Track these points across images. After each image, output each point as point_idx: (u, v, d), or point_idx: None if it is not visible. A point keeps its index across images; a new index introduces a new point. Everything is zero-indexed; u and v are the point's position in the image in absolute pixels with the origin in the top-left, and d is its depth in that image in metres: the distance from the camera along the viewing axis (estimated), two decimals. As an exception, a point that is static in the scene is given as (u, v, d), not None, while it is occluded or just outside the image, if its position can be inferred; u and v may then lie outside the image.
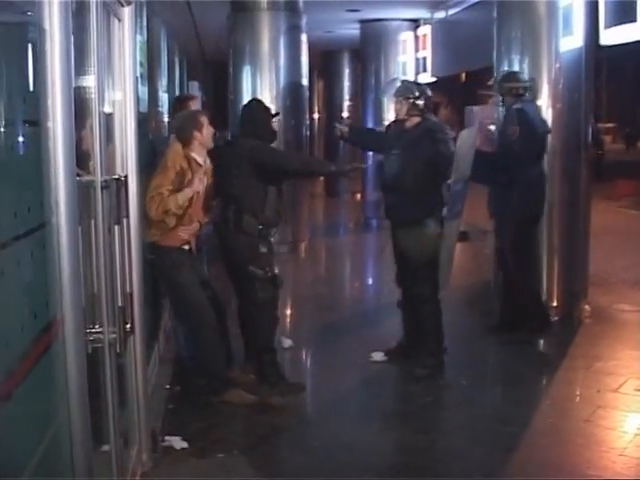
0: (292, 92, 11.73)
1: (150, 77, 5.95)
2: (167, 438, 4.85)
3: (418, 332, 6.23)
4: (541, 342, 7.30)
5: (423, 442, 5.06)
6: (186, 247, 5.51)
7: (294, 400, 5.65)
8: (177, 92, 9.40)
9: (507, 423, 5.32)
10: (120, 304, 3.41)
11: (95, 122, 3.26)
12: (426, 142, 5.95)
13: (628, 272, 10.24)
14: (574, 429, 5.17)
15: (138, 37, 5.10)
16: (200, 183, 5.29)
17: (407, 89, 6.16)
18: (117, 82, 4.09)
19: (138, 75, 4.97)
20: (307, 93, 12.45)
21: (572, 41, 7.23)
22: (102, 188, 3.27)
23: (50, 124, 2.46)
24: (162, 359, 6.23)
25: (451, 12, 12.76)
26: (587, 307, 7.95)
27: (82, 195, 3.15)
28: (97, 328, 3.35)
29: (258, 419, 5.34)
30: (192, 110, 5.95)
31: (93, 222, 3.31)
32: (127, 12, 4.15)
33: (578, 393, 5.83)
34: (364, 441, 5.05)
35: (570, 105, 7.37)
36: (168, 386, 5.75)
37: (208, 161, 5.51)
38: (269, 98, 11.50)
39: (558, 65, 7.34)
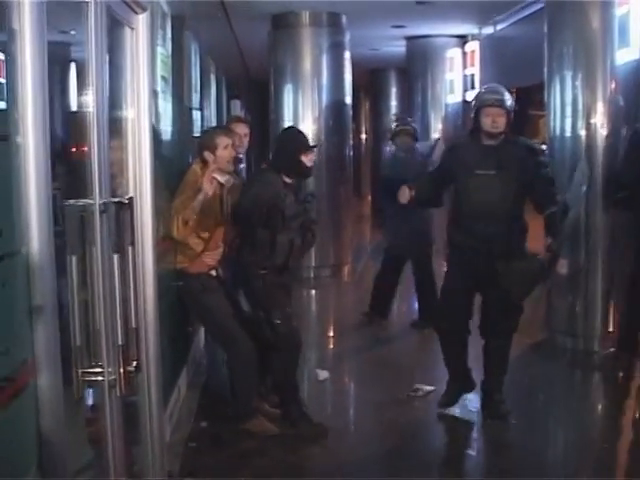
0: (335, 111, 11.40)
1: (177, 94, 5.63)
2: (187, 480, 4.50)
3: (496, 366, 5.59)
4: (597, 375, 6.82)
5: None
6: (213, 273, 5.27)
7: (323, 439, 5.25)
8: (213, 110, 9.12)
9: (558, 472, 4.87)
10: (121, 342, 3.04)
11: (93, 139, 2.92)
12: (528, 162, 5.27)
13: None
14: None
15: (160, 49, 4.79)
16: (210, 187, 4.94)
17: (509, 98, 5.30)
18: (130, 97, 3.77)
19: (158, 89, 4.66)
20: (351, 112, 12.12)
21: (629, 53, 6.77)
22: (101, 212, 2.92)
23: (20, 139, 2.11)
24: (190, 385, 5.90)
25: (499, 27, 12.33)
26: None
27: (76, 220, 2.83)
28: (98, 368, 3.01)
29: (284, 459, 4.96)
30: (213, 129, 5.64)
31: (94, 250, 2.98)
32: (141, 20, 3.82)
33: (635, 439, 5.32)
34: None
35: (627, 123, 6.89)
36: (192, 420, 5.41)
37: (232, 180, 5.24)
38: (311, 118, 11.22)
39: (614, 80, 6.87)
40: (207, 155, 5.10)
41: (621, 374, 6.49)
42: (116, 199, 3.04)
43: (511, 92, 5.44)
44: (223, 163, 5.14)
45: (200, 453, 4.96)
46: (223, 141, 5.15)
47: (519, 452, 5.19)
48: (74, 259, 2.81)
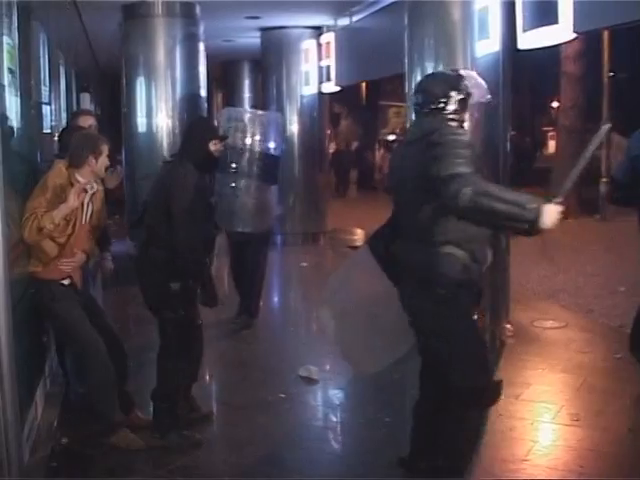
0: (190, 104, 11.02)
1: (25, 87, 5.24)
2: (48, 506, 4.18)
3: None
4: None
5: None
6: (66, 282, 4.94)
7: (195, 450, 5.02)
8: (63, 104, 8.67)
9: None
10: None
11: None
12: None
13: (543, 284, 9.99)
14: (512, 471, 4.65)
15: (6, 39, 4.43)
16: (76, 200, 4.69)
17: None
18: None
19: (4, 83, 4.30)
20: (205, 105, 11.81)
21: (489, 45, 6.80)
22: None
23: None
24: (48, 398, 5.53)
25: (355, 18, 12.31)
26: (509, 326, 7.53)
27: None
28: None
29: (153, 474, 4.69)
30: (93, 133, 5.38)
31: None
32: (-15, 7, 3.48)
33: (510, 427, 5.30)
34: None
35: (487, 113, 6.90)
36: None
37: (96, 186, 4.94)
38: (165, 110, 10.86)
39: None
40: (90, 160, 4.83)
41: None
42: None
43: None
44: (101, 170, 4.95)
45: (62, 474, 4.62)
46: (105, 149, 4.94)
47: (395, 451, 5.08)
48: None
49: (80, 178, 4.80)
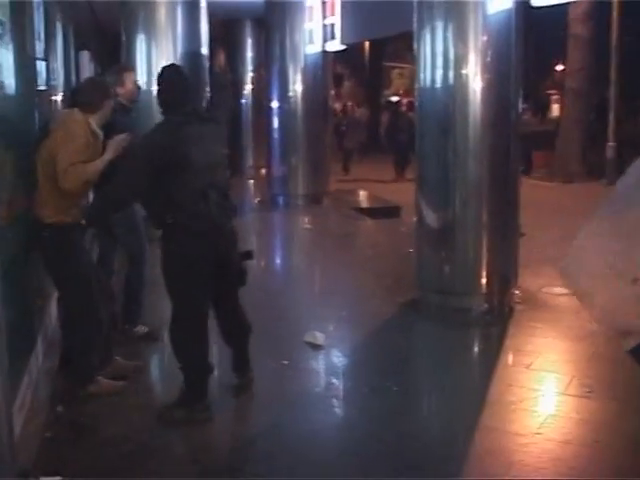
0: (191, 62, 10.73)
1: (18, 41, 4.99)
2: (42, 479, 4.00)
3: None
4: (471, 334, 6.65)
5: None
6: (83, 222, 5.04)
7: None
8: (60, 62, 8.42)
9: (440, 444, 4.61)
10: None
11: None
12: None
13: (549, 249, 9.74)
14: (523, 445, 4.45)
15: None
16: (116, 151, 4.88)
17: None
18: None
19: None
20: (207, 63, 11.55)
21: (501, 2, 6.54)
22: None
23: None
24: (44, 367, 5.34)
25: (362, -26, 12.00)
26: (517, 292, 7.34)
27: None
28: None
29: (150, 443, 4.54)
30: (102, 79, 5.65)
31: None
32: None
33: (521, 398, 5.11)
34: None
35: (499, 74, 6.67)
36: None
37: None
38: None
39: (486, 30, 6.61)
40: (106, 104, 5.00)
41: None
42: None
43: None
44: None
45: (58, 444, 4.44)
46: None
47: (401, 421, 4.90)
48: None
49: (92, 124, 4.91)
